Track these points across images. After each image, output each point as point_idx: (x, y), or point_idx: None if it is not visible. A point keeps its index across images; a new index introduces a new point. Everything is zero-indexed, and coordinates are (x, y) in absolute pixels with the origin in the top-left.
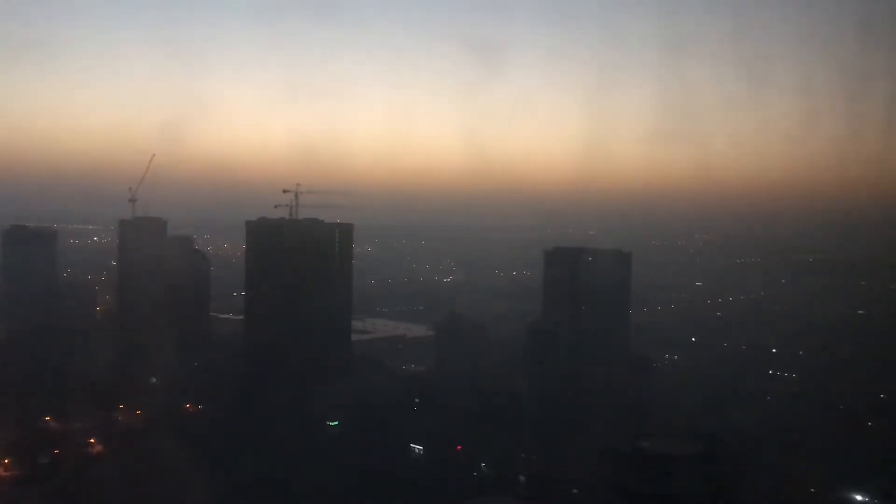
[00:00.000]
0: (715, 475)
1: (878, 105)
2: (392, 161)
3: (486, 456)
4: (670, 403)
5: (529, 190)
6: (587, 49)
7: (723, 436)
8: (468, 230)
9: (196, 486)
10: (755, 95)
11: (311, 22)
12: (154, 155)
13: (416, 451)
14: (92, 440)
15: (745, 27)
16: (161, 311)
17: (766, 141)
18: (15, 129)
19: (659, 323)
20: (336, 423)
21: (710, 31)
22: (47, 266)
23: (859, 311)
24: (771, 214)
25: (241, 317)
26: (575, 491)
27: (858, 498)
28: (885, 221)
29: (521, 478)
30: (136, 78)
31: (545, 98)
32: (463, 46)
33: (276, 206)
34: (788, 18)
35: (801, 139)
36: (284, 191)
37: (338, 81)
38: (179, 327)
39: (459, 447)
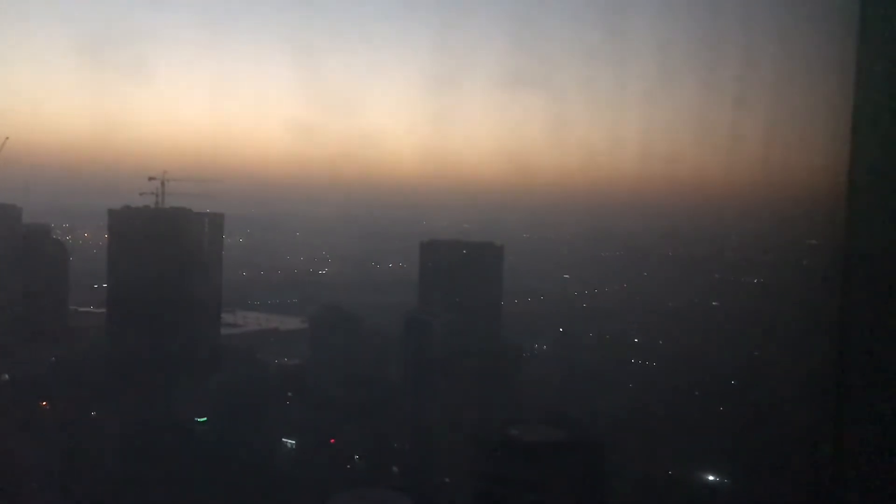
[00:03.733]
0: (579, 460)
1: (730, 104)
2: (264, 150)
3: (360, 448)
4: (538, 391)
5: (405, 182)
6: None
7: (587, 422)
8: (343, 221)
9: (50, 487)
10: (625, 91)
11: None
12: (7, 138)
13: (289, 445)
14: None
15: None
16: (13, 304)
17: (630, 136)
18: None
19: (528, 313)
20: (204, 419)
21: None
22: None
23: (714, 303)
24: (632, 208)
25: (103, 309)
26: (447, 479)
27: (710, 478)
28: (741, 216)
29: (395, 468)
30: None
31: (419, 89)
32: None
33: (140, 194)
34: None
35: (664, 135)
36: (150, 178)
37: (213, 67)
38: (35, 320)
39: (333, 440)
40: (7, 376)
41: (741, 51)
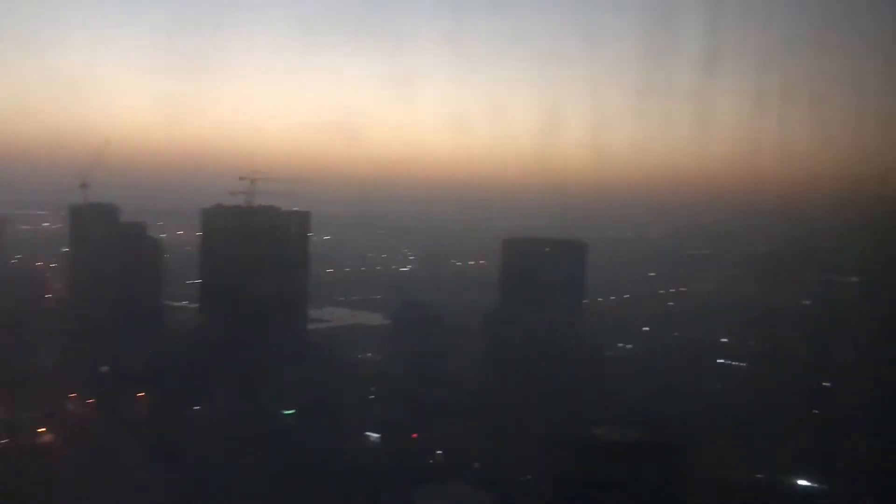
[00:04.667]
0: (664, 461)
1: (829, 96)
2: (350, 150)
3: (442, 444)
4: (622, 392)
5: (488, 180)
6: (537, 43)
7: (672, 423)
8: (426, 220)
9: (147, 475)
10: (704, 85)
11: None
12: (107, 139)
13: (372, 439)
14: (42, 429)
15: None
16: (113, 299)
17: (717, 131)
18: None
19: (612, 313)
20: (292, 412)
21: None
22: None
23: (805, 302)
24: (721, 206)
25: (196, 305)
26: (527, 477)
27: (803, 483)
28: (833, 213)
29: (476, 465)
30: (89, 61)
31: (499, 90)
32: (423, 34)
33: (232, 193)
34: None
35: (752, 129)
36: (241, 178)
37: (295, 71)
38: (132, 315)
39: (415, 435)
40: (107, 368)
41: (826, 47)
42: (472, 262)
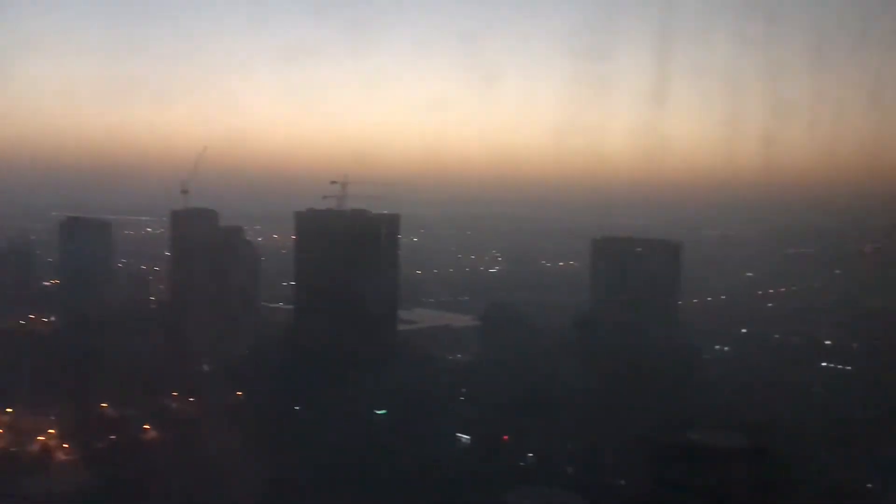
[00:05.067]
0: (763, 467)
1: None
2: (438, 151)
3: (533, 446)
4: (719, 395)
5: (578, 179)
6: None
7: (772, 428)
8: (514, 220)
9: (246, 473)
10: (803, 79)
11: (354, 12)
12: (206, 147)
13: (463, 440)
14: (146, 426)
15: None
16: (212, 301)
17: (817, 126)
18: (70, 122)
19: (708, 313)
20: (384, 412)
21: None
22: (103, 256)
23: None
24: (822, 203)
25: (290, 306)
26: (622, 482)
27: None
28: None
29: (568, 468)
30: (185, 71)
31: (587, 87)
32: (501, 34)
33: (324, 197)
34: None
35: (856, 126)
36: (332, 182)
37: (383, 72)
38: (230, 316)
39: (506, 437)
40: (207, 367)
41: None
42: (562, 263)
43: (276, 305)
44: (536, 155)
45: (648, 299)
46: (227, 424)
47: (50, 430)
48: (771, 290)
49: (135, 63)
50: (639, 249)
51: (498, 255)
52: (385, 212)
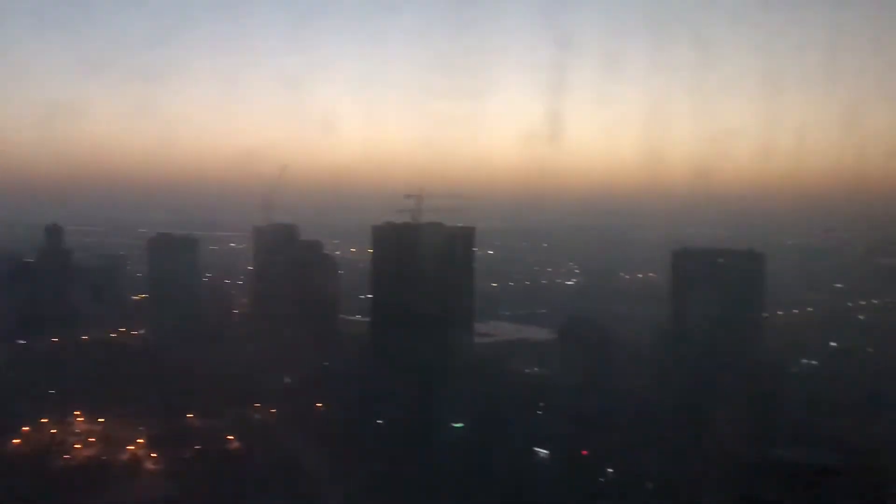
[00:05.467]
0: (853, 485)
1: None
2: (513, 163)
3: (612, 462)
4: (807, 411)
5: (655, 189)
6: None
7: (864, 446)
8: (591, 232)
9: (326, 483)
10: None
11: (428, 25)
12: (286, 165)
13: (541, 454)
14: (230, 436)
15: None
16: (292, 313)
17: None
18: (158, 142)
19: (794, 326)
20: (461, 425)
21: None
22: (189, 271)
23: None
24: None
25: (368, 319)
26: (704, 500)
27: None
28: None
29: (648, 484)
30: (264, 91)
31: (666, 96)
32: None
33: (399, 211)
34: None
35: None
36: (407, 196)
37: (458, 85)
38: (310, 328)
39: (585, 452)
40: (288, 379)
41: None
42: (641, 275)
43: (354, 318)
44: (613, 166)
45: (731, 312)
46: (308, 435)
47: (139, 440)
48: (863, 303)
49: (217, 84)
50: (720, 260)
51: (575, 267)
52: (460, 225)
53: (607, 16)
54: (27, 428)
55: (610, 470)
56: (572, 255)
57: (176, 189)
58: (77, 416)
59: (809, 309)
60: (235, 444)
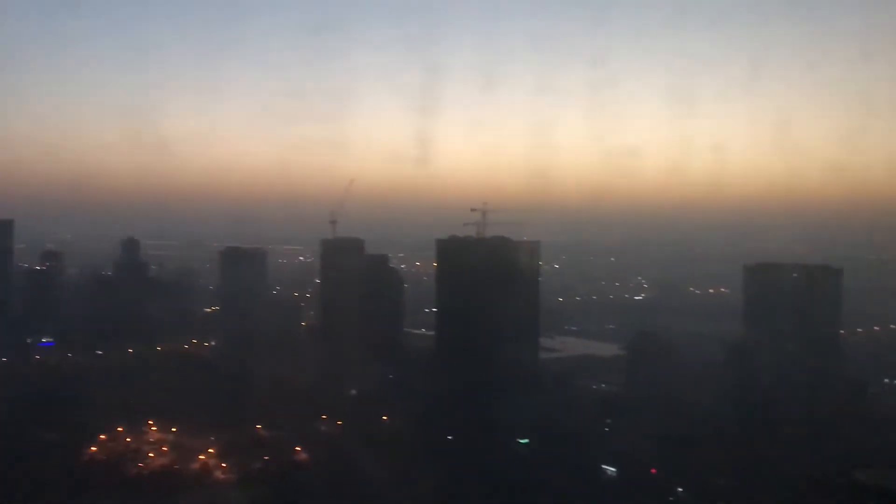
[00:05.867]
0: None
1: None
2: (579, 177)
3: (683, 481)
4: (888, 432)
5: (727, 203)
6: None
7: None
8: (660, 246)
9: (392, 496)
10: None
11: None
12: (352, 180)
13: (609, 472)
14: (298, 448)
15: None
16: (359, 326)
17: None
18: (228, 159)
19: (875, 344)
20: (526, 440)
21: None
22: (259, 284)
23: None
24: None
25: (433, 333)
26: None
27: None
28: None
29: None
30: (332, 107)
31: (735, 106)
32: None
33: (464, 225)
34: None
35: None
36: (473, 209)
37: (521, 98)
38: (376, 341)
39: (654, 470)
40: (354, 391)
41: None
42: (712, 290)
43: (419, 332)
44: (682, 179)
45: (807, 328)
46: (373, 448)
47: (210, 449)
48: None
49: (289, 100)
50: (795, 275)
51: (644, 282)
52: (526, 238)
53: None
54: (104, 436)
55: (680, 489)
56: (640, 270)
57: (246, 203)
58: (151, 425)
59: (892, 326)
60: (303, 456)
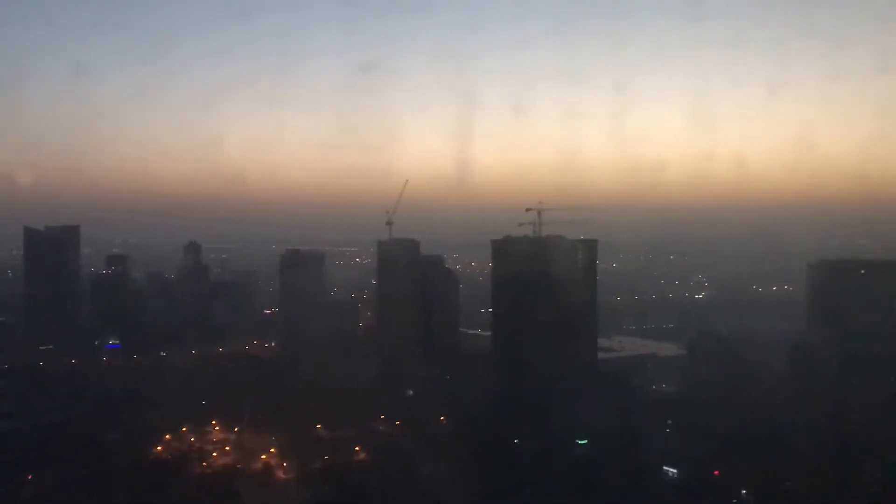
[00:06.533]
0: None
1: None
2: (635, 174)
3: (746, 483)
4: None
5: (789, 199)
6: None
7: None
8: (721, 244)
9: (450, 497)
10: None
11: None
12: (407, 181)
13: (670, 474)
14: (357, 448)
15: None
16: (415, 327)
17: None
18: (287, 163)
19: None
20: (585, 441)
21: None
22: (317, 286)
23: None
24: None
25: (489, 333)
26: None
27: None
28: None
29: None
30: (386, 111)
31: (802, 103)
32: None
33: (520, 225)
34: None
35: None
36: (528, 209)
37: (575, 97)
38: (432, 342)
39: (717, 472)
40: (410, 392)
41: None
42: (776, 288)
43: (475, 332)
44: (743, 176)
45: (876, 327)
46: (432, 448)
47: (271, 449)
48: None
49: (343, 106)
50: (863, 272)
51: (705, 280)
52: (582, 237)
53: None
54: (168, 436)
55: (744, 492)
56: (701, 268)
57: (304, 206)
58: (214, 425)
59: None
60: (362, 456)
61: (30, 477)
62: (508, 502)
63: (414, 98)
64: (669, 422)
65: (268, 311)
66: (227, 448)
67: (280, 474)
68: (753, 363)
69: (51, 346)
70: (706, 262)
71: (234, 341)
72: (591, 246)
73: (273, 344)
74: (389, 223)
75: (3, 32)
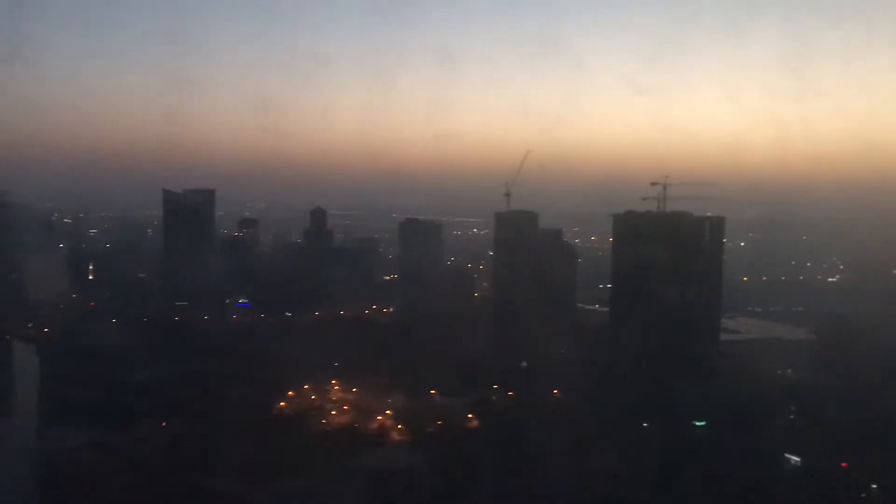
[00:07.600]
0: None
1: None
2: (768, 150)
3: (878, 477)
4: None
5: None
6: None
7: None
8: (859, 225)
9: (561, 470)
10: None
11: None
12: (529, 151)
13: (793, 462)
14: (470, 415)
15: None
16: (531, 300)
17: None
18: (408, 132)
19: None
20: (703, 423)
21: None
22: (435, 255)
23: None
24: None
25: (606, 309)
26: None
27: None
28: None
29: None
30: (510, 78)
31: None
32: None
33: (643, 199)
34: None
35: None
36: (652, 183)
37: (702, 71)
38: (548, 316)
39: (845, 464)
40: (524, 364)
41: None
42: None
43: (593, 307)
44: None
45: None
46: (543, 422)
47: (387, 411)
48: None
49: (462, 75)
50: None
51: (839, 262)
52: (709, 214)
53: None
54: (292, 392)
55: (874, 486)
56: (837, 250)
57: (425, 175)
58: (334, 384)
59: None
60: (475, 423)
61: (164, 424)
62: (622, 479)
63: (536, 69)
64: (793, 408)
65: (387, 277)
66: (345, 407)
67: (394, 436)
68: (888, 352)
69: (186, 303)
70: (843, 244)
71: (354, 305)
72: (718, 223)
73: (391, 309)
74: (508, 194)
75: None
